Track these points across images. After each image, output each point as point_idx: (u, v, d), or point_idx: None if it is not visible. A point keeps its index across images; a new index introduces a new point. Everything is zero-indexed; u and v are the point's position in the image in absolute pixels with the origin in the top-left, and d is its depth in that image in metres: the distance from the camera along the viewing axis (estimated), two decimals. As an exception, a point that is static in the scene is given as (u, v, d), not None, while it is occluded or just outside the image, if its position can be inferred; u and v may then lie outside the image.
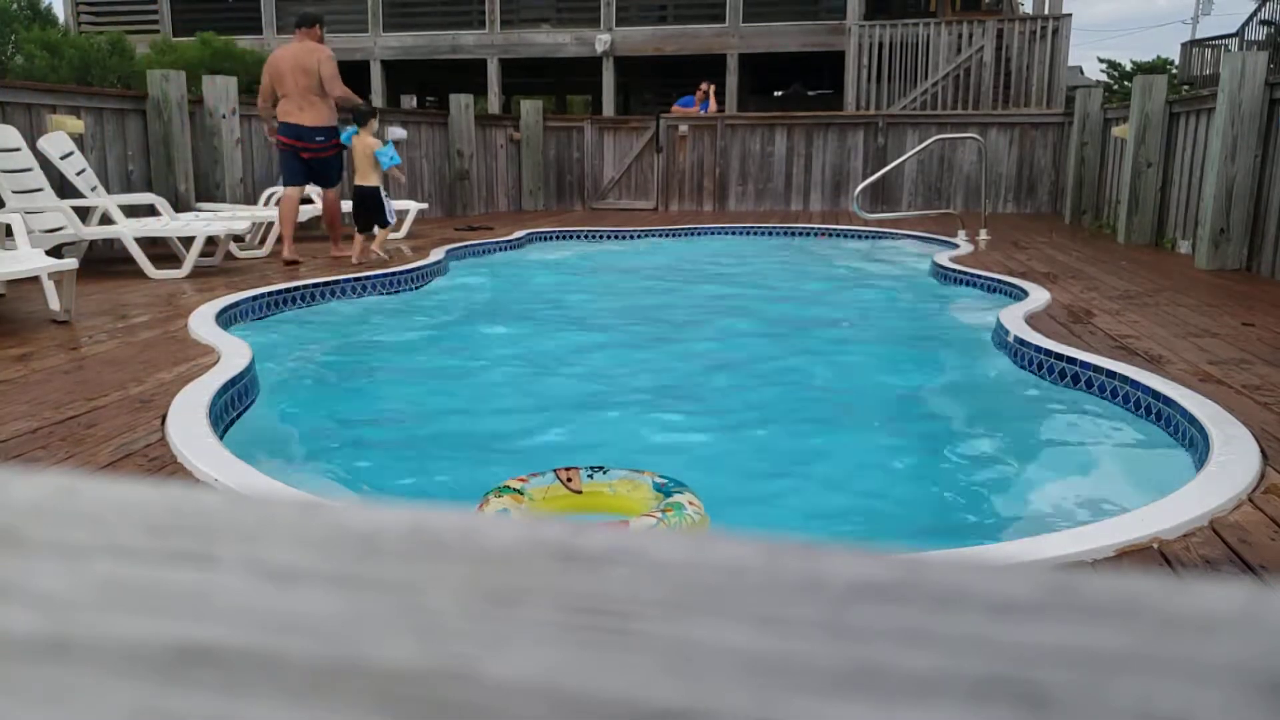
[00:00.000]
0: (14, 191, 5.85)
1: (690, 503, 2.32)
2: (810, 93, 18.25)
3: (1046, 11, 15.99)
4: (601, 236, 10.11)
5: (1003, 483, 3.12)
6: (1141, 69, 26.19)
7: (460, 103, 11.92)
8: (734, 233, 10.51)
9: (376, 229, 7.12)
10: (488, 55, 16.15)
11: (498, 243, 8.91)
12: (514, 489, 2.41)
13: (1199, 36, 25.52)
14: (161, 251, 6.52)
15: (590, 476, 2.51)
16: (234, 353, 3.82)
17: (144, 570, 0.27)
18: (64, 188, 6.51)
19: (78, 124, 7.02)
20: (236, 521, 0.29)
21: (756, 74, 17.81)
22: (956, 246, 8.18)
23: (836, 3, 15.20)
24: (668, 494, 2.39)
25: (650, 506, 2.36)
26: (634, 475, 2.52)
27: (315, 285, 5.82)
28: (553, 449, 3.44)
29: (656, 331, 5.57)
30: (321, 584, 0.26)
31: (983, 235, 8.40)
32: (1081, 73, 29.31)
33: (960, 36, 14.10)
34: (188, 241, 6.25)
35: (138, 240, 6.08)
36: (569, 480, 2.49)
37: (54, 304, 4.49)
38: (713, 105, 13.86)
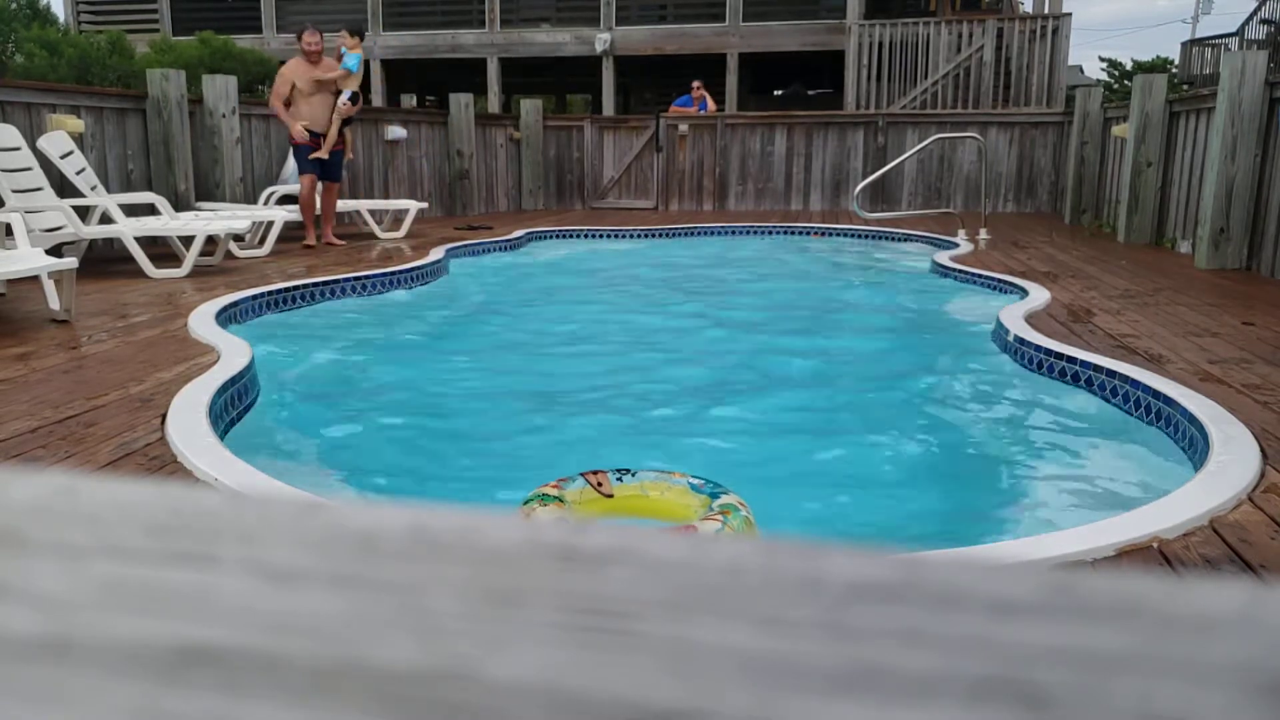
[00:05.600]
0: (14, 191, 5.85)
1: (740, 504, 2.28)
2: (810, 92, 18.26)
3: (1046, 11, 15.99)
4: (601, 236, 10.11)
5: (1002, 482, 3.12)
6: (1141, 68, 26.19)
7: (460, 102, 11.92)
8: (734, 232, 10.51)
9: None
10: (487, 54, 16.15)
11: (497, 242, 8.91)
12: (554, 496, 2.34)
13: (1199, 36, 25.52)
14: (161, 251, 6.53)
15: (619, 479, 2.45)
16: (234, 352, 3.82)
17: (144, 570, 0.27)
18: (64, 187, 6.51)
19: (77, 123, 7.02)
20: (236, 522, 0.29)
21: (756, 74, 17.82)
22: (956, 246, 8.18)
23: (836, 2, 15.19)
24: (713, 495, 2.33)
25: (698, 510, 2.30)
26: (664, 476, 2.46)
27: (315, 284, 5.82)
28: (554, 449, 3.44)
29: (655, 331, 5.57)
30: (321, 584, 0.26)
31: (983, 235, 8.40)
32: (1081, 72, 29.32)
33: (960, 36, 14.10)
34: (188, 241, 6.25)
35: (138, 239, 6.08)
36: (599, 484, 2.42)
37: (54, 303, 4.49)
38: (711, 105, 13.85)
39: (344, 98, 7.93)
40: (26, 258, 4.57)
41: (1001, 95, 13.90)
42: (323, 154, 7.87)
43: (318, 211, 8.16)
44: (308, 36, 7.84)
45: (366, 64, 16.75)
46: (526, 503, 2.32)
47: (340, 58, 8.00)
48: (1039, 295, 5.39)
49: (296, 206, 8.19)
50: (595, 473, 2.46)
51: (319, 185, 8.04)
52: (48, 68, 13.35)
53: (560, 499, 2.33)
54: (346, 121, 8.10)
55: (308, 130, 7.84)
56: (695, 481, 2.42)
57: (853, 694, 0.21)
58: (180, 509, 0.30)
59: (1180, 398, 3.15)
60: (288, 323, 5.27)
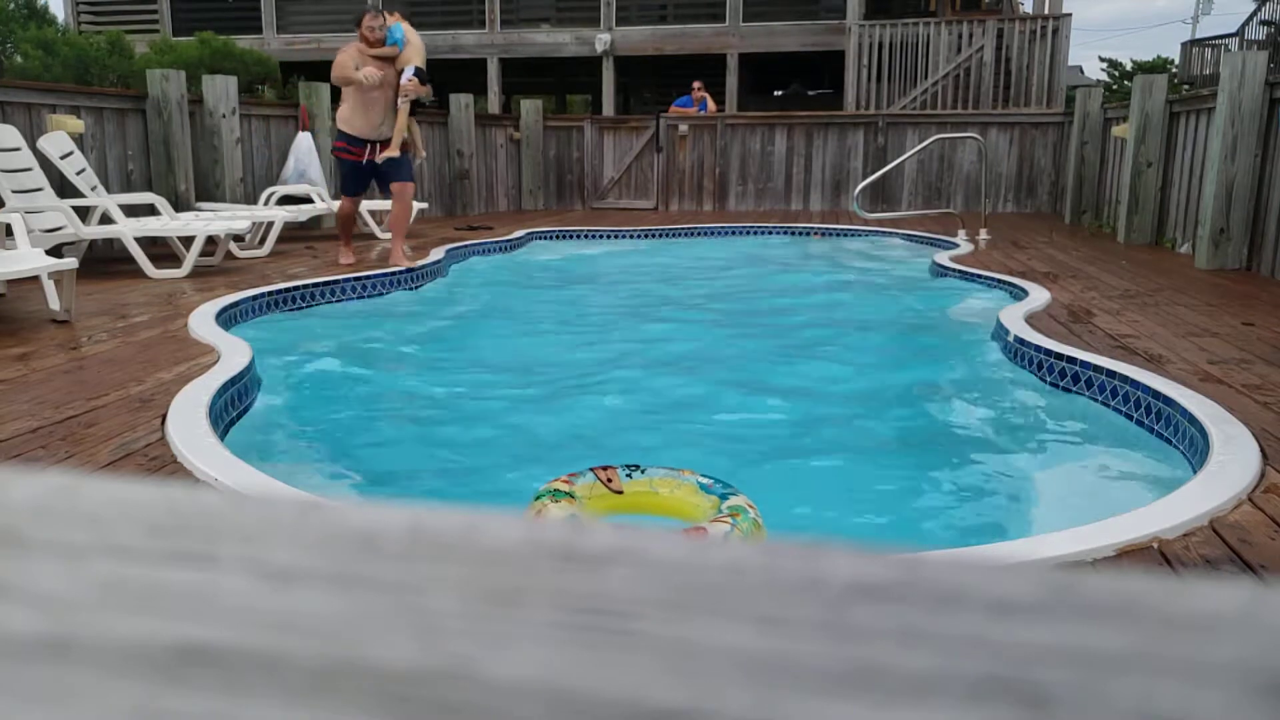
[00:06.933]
0: (14, 191, 5.85)
1: (749, 505, 2.28)
2: (810, 92, 18.26)
3: (1046, 11, 16.00)
4: (601, 236, 10.11)
5: (1002, 482, 3.12)
6: (1141, 68, 26.19)
7: (460, 102, 11.92)
8: (734, 232, 10.52)
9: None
10: (488, 55, 16.15)
11: (497, 242, 8.91)
12: (564, 491, 2.34)
13: (1199, 36, 25.54)
14: (161, 251, 6.53)
15: (629, 475, 2.45)
16: (234, 352, 3.82)
17: (144, 570, 0.27)
18: (64, 187, 6.51)
19: (77, 124, 7.02)
20: (236, 521, 0.29)
21: (756, 74, 17.81)
22: (956, 246, 8.18)
23: (836, 2, 15.19)
24: (721, 496, 2.34)
25: (707, 510, 2.30)
26: (673, 474, 2.47)
27: (315, 285, 5.82)
28: (554, 448, 3.44)
29: (655, 331, 5.57)
30: (321, 584, 0.26)
31: (983, 235, 8.40)
32: (1082, 72, 29.33)
33: (960, 36, 14.11)
34: (188, 241, 6.25)
35: (138, 240, 6.08)
36: (609, 480, 2.43)
37: (54, 304, 4.49)
38: (711, 105, 13.85)
39: (407, 74, 6.53)
40: (27, 258, 4.57)
41: (1001, 95, 13.90)
42: (392, 152, 6.57)
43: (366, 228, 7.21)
44: (368, 20, 6.59)
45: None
46: (538, 498, 2.33)
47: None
48: (1039, 295, 5.39)
49: (296, 208, 8.17)
50: (605, 468, 2.47)
51: (349, 200, 6.88)
52: (43, 68, 13.34)
53: (571, 494, 2.33)
54: (415, 108, 6.71)
55: (355, 138, 6.57)
56: (704, 480, 2.42)
57: (853, 694, 0.21)
58: (180, 509, 0.30)
59: (1180, 398, 3.15)
60: (288, 323, 5.27)
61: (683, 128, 13.15)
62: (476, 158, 12.34)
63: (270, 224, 7.31)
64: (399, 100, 6.53)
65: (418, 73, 6.54)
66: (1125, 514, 2.27)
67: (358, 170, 6.69)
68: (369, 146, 6.62)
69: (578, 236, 10.02)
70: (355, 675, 0.22)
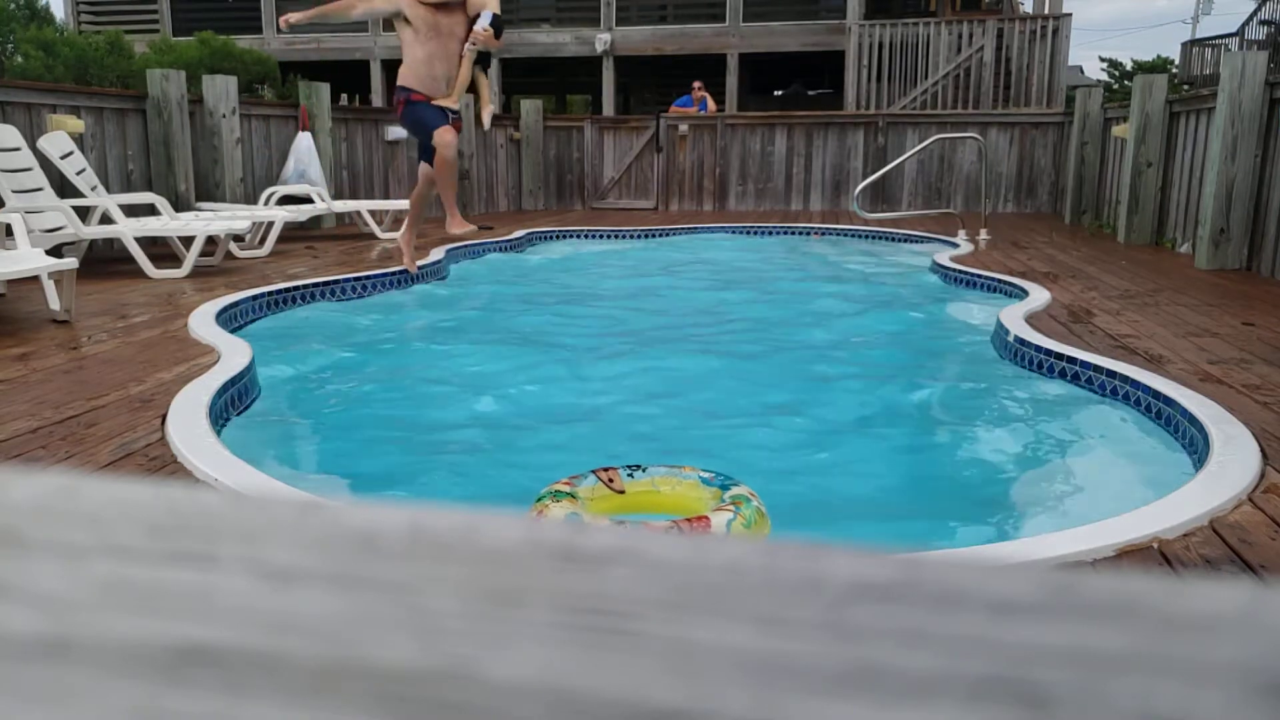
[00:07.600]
0: (14, 191, 5.85)
1: (751, 494, 2.29)
2: (810, 92, 18.27)
3: (1046, 11, 16.01)
4: (602, 236, 10.12)
5: (1002, 483, 3.12)
6: (1142, 68, 26.20)
7: (460, 102, 11.92)
8: (734, 232, 10.51)
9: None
10: (488, 55, 16.16)
11: (497, 242, 8.91)
12: (566, 493, 2.35)
13: (1199, 36, 25.56)
14: (161, 251, 6.53)
15: (630, 475, 2.47)
16: (234, 352, 3.83)
17: (144, 570, 0.27)
18: (64, 187, 6.51)
19: (78, 123, 7.02)
20: (236, 521, 0.29)
21: (756, 74, 17.82)
22: (957, 246, 8.19)
23: (836, 2, 15.21)
24: (724, 488, 2.35)
25: (710, 502, 2.31)
26: (674, 471, 2.49)
27: (315, 285, 5.82)
28: (556, 449, 3.44)
29: (655, 332, 5.57)
30: (321, 584, 0.26)
31: (983, 235, 8.40)
32: (1082, 72, 29.35)
33: (960, 36, 14.11)
34: (188, 241, 6.25)
35: (138, 240, 6.08)
36: (610, 481, 2.44)
37: (54, 304, 4.49)
38: (711, 105, 13.85)
39: (482, 22, 5.57)
40: (27, 258, 4.57)
41: (1001, 95, 13.91)
42: (451, 103, 5.73)
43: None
44: None
45: (366, 65, 16.80)
46: (540, 500, 2.33)
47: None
48: (1039, 296, 5.39)
49: (296, 208, 8.14)
50: (606, 469, 2.48)
51: (448, 129, 5.77)
52: (43, 68, 13.35)
53: (573, 495, 2.34)
54: (483, 61, 5.82)
55: (433, 97, 5.65)
56: (705, 475, 2.43)
57: (853, 694, 0.21)
58: (180, 509, 0.30)
59: (1180, 398, 3.15)
60: (288, 323, 5.27)
61: (683, 128, 13.15)
62: (476, 158, 12.34)
63: (270, 224, 7.31)
64: (465, 47, 5.62)
65: (495, 21, 5.60)
66: (1125, 514, 2.27)
67: (431, 106, 5.73)
68: (452, 115, 5.84)
69: (578, 236, 10.02)
70: (355, 675, 0.22)
